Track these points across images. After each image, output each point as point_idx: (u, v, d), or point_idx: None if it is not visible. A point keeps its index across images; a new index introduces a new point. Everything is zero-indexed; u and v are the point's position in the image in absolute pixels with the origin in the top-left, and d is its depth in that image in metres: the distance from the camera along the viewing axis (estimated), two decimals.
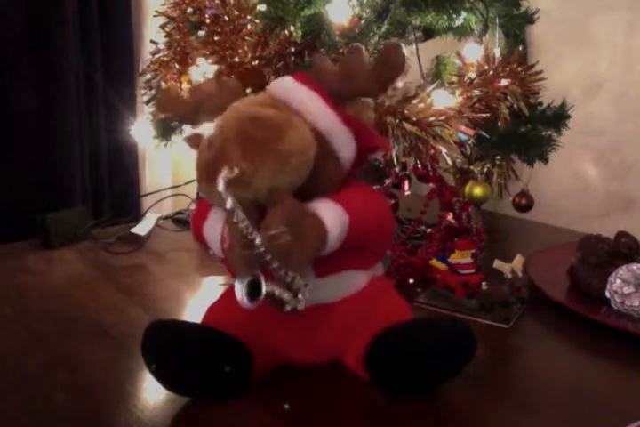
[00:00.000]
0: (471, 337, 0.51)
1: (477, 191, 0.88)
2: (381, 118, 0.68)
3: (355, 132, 0.51)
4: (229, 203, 0.45)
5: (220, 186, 0.45)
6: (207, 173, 0.47)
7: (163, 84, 0.89)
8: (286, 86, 0.52)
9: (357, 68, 0.50)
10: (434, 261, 0.74)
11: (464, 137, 0.72)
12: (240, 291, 0.46)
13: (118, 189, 1.43)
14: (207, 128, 0.51)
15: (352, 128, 0.51)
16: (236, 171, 0.45)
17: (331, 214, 0.48)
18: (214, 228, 0.52)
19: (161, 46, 0.89)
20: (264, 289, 0.45)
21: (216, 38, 0.79)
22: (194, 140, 0.53)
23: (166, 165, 1.48)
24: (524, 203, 0.91)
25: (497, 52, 0.79)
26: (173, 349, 0.50)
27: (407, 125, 0.68)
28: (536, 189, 0.92)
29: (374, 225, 0.53)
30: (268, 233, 0.44)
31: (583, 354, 0.63)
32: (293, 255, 0.45)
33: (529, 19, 0.85)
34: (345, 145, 0.51)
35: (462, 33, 0.85)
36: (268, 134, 0.47)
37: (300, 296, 0.47)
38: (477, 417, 0.51)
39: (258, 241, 0.44)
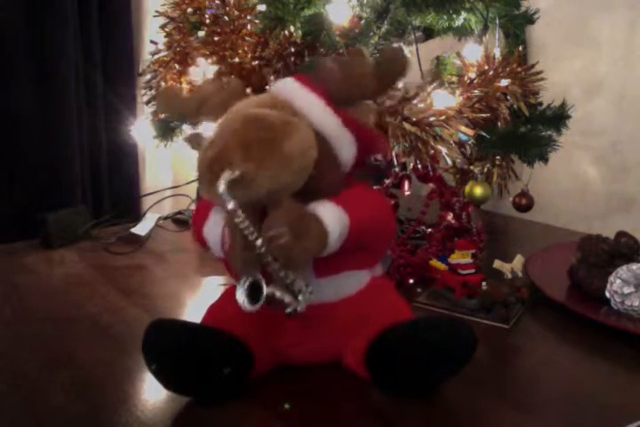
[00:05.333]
0: (471, 337, 0.51)
1: (477, 191, 0.88)
2: (381, 118, 0.68)
3: (355, 133, 0.51)
4: (230, 204, 0.45)
5: (222, 187, 0.44)
6: (209, 173, 0.47)
7: (163, 84, 0.89)
8: (288, 87, 0.52)
9: (359, 70, 0.50)
10: (434, 261, 0.74)
11: (464, 137, 0.72)
12: (241, 294, 0.46)
13: (118, 189, 1.42)
14: (208, 128, 0.51)
15: (353, 130, 0.51)
16: (238, 172, 0.45)
17: (331, 215, 0.48)
18: (214, 229, 0.52)
19: (161, 46, 0.89)
20: (265, 291, 0.45)
21: (216, 38, 0.79)
22: (194, 140, 0.53)
23: (166, 165, 1.48)
24: (524, 203, 0.91)
25: (497, 52, 0.79)
26: (174, 349, 0.50)
27: (407, 125, 0.68)
28: (536, 189, 0.92)
29: (375, 225, 0.53)
30: (268, 234, 0.44)
31: (583, 354, 0.63)
32: (294, 256, 0.45)
33: (529, 19, 0.85)
34: (345, 147, 0.51)
35: (462, 33, 0.85)
36: (270, 136, 0.46)
37: (300, 298, 0.47)
38: (477, 417, 0.51)
39: (259, 242, 0.44)
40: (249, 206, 0.46)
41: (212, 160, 0.47)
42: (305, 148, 0.47)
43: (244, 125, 0.47)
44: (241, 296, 0.46)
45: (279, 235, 0.44)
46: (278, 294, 0.46)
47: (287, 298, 0.46)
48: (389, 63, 0.50)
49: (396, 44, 0.51)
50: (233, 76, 0.75)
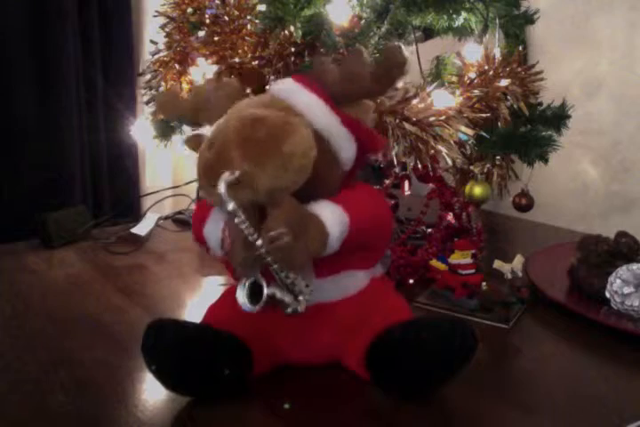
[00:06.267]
0: (471, 337, 0.51)
1: (477, 191, 0.88)
2: (381, 118, 0.68)
3: (354, 133, 0.51)
4: (231, 205, 0.45)
5: (222, 188, 0.45)
6: (208, 174, 0.47)
7: (163, 84, 0.89)
8: (287, 87, 0.52)
9: (358, 70, 0.50)
10: (434, 262, 0.74)
11: (464, 137, 0.72)
12: (242, 295, 0.46)
13: (118, 189, 1.43)
14: (208, 130, 0.51)
15: (352, 129, 0.51)
16: (237, 173, 0.45)
17: (331, 215, 0.48)
18: (214, 229, 0.52)
19: (161, 46, 0.89)
20: (265, 292, 0.45)
21: (216, 38, 0.79)
22: (194, 142, 0.53)
23: (166, 165, 1.48)
24: (524, 203, 0.91)
25: (497, 52, 0.79)
26: (174, 349, 0.50)
27: (407, 125, 0.68)
28: (536, 189, 0.92)
29: (374, 225, 0.53)
30: (268, 235, 0.44)
31: (583, 354, 0.63)
32: (294, 256, 0.45)
33: (529, 19, 0.85)
34: (345, 146, 0.51)
35: (462, 33, 0.85)
36: (269, 136, 0.47)
37: (301, 298, 0.47)
38: (477, 417, 0.51)
39: (259, 243, 0.45)
40: (249, 207, 0.46)
41: (211, 161, 0.47)
42: (304, 148, 0.47)
43: (242, 126, 0.47)
44: (241, 297, 0.46)
45: (279, 235, 0.44)
46: (279, 294, 0.46)
47: (287, 298, 0.46)
48: (388, 63, 0.50)
49: (395, 43, 0.50)
50: (232, 77, 0.75)
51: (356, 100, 0.53)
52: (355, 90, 0.51)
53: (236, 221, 0.45)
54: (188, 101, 0.56)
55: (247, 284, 0.46)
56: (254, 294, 0.46)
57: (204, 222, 0.54)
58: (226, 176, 0.45)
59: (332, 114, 0.50)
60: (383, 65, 0.50)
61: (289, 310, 0.47)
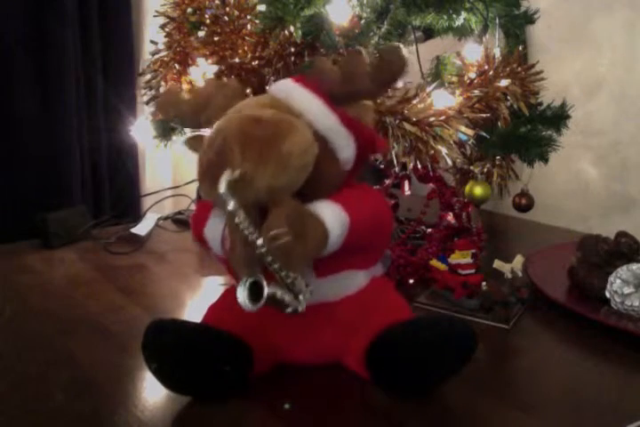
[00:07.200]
0: (471, 336, 0.51)
1: (477, 191, 0.88)
2: (381, 118, 0.68)
3: (354, 133, 0.51)
4: (231, 204, 0.45)
5: (222, 188, 0.45)
6: (209, 174, 0.47)
7: (163, 84, 0.89)
8: (286, 88, 0.52)
9: (357, 71, 0.50)
10: (434, 262, 0.74)
11: (464, 137, 0.72)
12: (242, 294, 0.46)
13: (118, 189, 1.42)
14: (207, 131, 0.51)
15: (351, 129, 0.51)
16: (238, 172, 0.45)
17: (331, 215, 0.48)
18: (215, 229, 0.52)
19: (161, 46, 0.89)
20: (266, 291, 0.45)
21: (216, 38, 0.79)
22: (194, 142, 0.53)
23: (166, 165, 1.48)
24: (524, 203, 0.91)
25: (497, 52, 0.79)
26: (174, 348, 0.50)
27: (407, 125, 0.68)
28: (536, 189, 0.92)
29: (374, 225, 0.53)
30: (269, 234, 0.44)
31: (583, 354, 0.63)
32: (294, 256, 0.45)
33: (529, 19, 0.85)
34: (344, 146, 0.51)
35: (462, 33, 0.85)
36: (269, 135, 0.47)
37: (301, 297, 0.47)
38: (477, 417, 0.51)
39: (259, 242, 0.45)
40: (249, 206, 0.46)
41: (211, 161, 0.48)
42: (304, 147, 0.48)
43: (242, 126, 0.47)
44: (242, 296, 0.46)
45: (279, 235, 0.44)
46: (279, 293, 0.46)
47: (288, 298, 0.47)
48: (387, 63, 0.50)
49: (394, 44, 0.50)
50: (232, 77, 0.75)
51: (356, 101, 0.53)
52: (354, 90, 0.51)
53: (236, 220, 0.45)
54: (188, 103, 0.56)
55: (247, 283, 0.46)
56: (254, 293, 0.46)
57: (204, 223, 0.54)
58: (226, 176, 0.45)
59: (330, 113, 0.50)
60: (382, 65, 0.50)
61: (289, 309, 0.47)
